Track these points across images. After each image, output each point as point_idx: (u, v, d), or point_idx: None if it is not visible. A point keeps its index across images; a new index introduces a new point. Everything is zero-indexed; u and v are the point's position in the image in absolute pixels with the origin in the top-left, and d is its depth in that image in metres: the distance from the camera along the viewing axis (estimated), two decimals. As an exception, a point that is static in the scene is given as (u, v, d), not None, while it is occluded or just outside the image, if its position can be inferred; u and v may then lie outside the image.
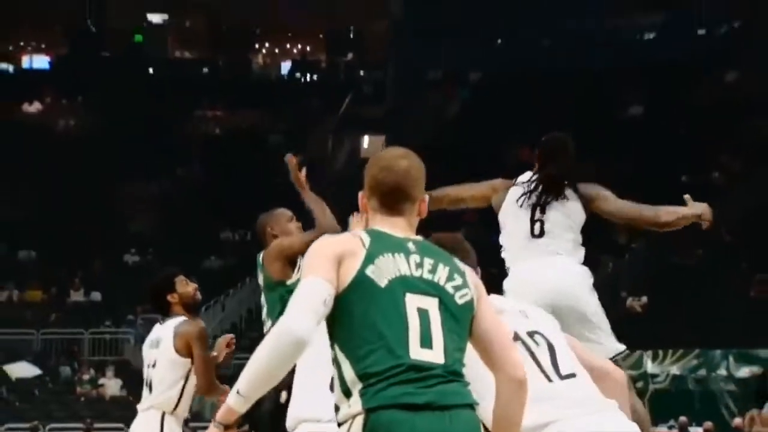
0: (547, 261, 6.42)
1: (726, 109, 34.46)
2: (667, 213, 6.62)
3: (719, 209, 26.89)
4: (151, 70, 42.94)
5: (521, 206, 6.57)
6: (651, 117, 35.91)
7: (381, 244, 3.69)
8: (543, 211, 6.51)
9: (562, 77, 35.98)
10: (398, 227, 3.78)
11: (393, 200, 3.79)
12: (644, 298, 28.12)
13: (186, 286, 7.29)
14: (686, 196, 6.76)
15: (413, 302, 3.67)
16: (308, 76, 44.14)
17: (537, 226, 6.49)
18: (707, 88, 36.04)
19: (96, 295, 32.71)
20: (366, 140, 40.79)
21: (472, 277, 3.83)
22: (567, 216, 6.51)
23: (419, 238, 3.81)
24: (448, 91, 40.23)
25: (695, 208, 6.66)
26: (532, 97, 35.86)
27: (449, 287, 3.72)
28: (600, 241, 27.48)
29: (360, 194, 3.85)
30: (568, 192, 6.56)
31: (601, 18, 39.19)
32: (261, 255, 7.18)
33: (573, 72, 36.03)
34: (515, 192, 6.64)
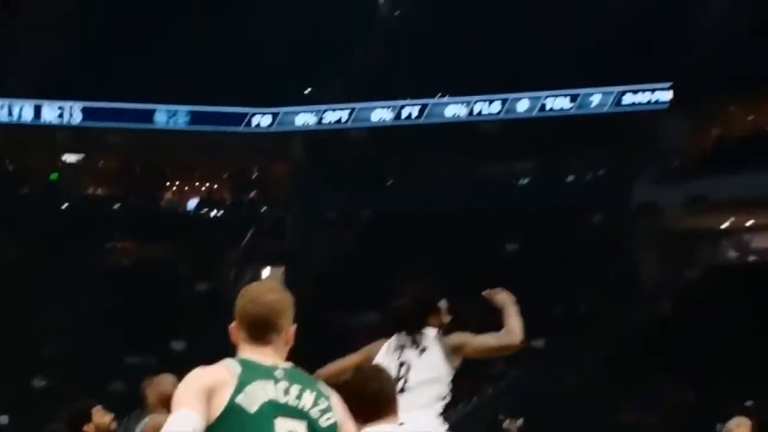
0: (405, 417, 6.07)
1: (592, 248, 35.20)
2: (514, 331, 6.53)
3: (586, 340, 27.13)
4: (65, 206, 42.45)
5: (388, 364, 6.44)
6: (526, 254, 36.51)
7: (250, 373, 3.74)
8: (407, 369, 6.44)
9: (444, 216, 36.44)
10: (267, 355, 3.83)
11: (260, 331, 3.86)
12: (520, 421, 28.07)
13: (103, 417, 7.18)
14: (486, 294, 6.72)
15: (283, 426, 3.72)
16: (214, 212, 44.01)
17: (400, 383, 6.35)
18: (576, 228, 36.83)
19: (3, 419, 31.68)
20: (266, 271, 40.68)
21: (338, 401, 3.89)
22: (429, 370, 6.44)
23: (288, 365, 3.86)
24: (342, 228, 40.43)
25: (507, 303, 6.64)
26: (418, 234, 36.28)
27: (315, 411, 3.79)
28: (479, 370, 27.61)
29: (231, 325, 3.89)
30: (433, 345, 6.49)
31: (482, 164, 40.04)
32: (145, 421, 7.07)
33: (455, 212, 36.42)
34: (384, 349, 6.57)
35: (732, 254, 37.20)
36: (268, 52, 38.93)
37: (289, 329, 3.90)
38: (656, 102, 37.16)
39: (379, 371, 4.73)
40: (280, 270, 39.29)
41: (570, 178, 40.05)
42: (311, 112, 40.39)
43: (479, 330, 6.68)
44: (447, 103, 39.39)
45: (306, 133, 40.98)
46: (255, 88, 39.15)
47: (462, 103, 39.06)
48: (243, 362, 3.78)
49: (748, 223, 36.40)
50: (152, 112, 40.51)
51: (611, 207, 36.56)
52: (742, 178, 32.87)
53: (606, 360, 30.33)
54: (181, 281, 39.10)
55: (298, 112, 40.47)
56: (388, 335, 6.61)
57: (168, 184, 45.34)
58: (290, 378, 3.80)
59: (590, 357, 30.80)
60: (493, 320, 6.81)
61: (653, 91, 36.96)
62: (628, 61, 36.79)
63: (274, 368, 3.79)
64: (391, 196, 40.05)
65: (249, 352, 3.84)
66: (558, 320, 33.26)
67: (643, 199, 35.61)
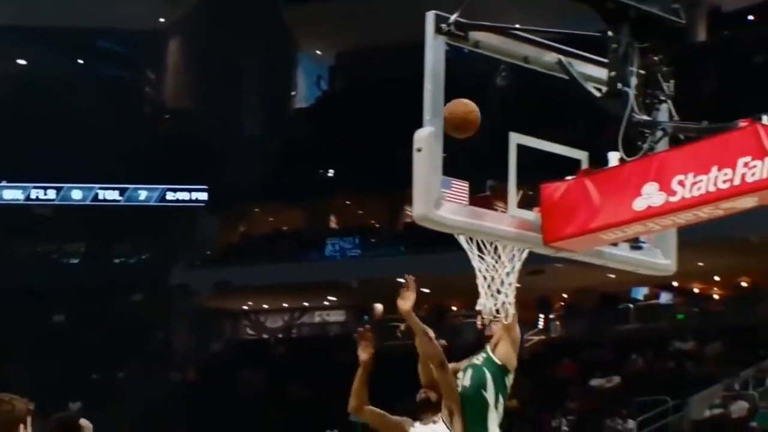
0: None
1: (133, 321, 36.00)
2: None
3: (123, 402, 27.59)
4: None
5: None
6: (72, 327, 36.63)
7: None
8: None
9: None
10: None
11: None
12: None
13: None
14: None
15: None
16: None
17: None
18: (119, 303, 37.40)
19: None
20: None
21: None
22: None
23: None
24: None
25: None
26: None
27: None
28: None
29: None
30: None
31: (36, 243, 39.78)
32: None
33: (9, 286, 35.83)
34: None
35: (250, 331, 39.00)
36: None
37: None
38: (195, 200, 38.82)
39: None
40: None
41: (117, 260, 40.72)
42: None
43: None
44: (4, 188, 38.96)
45: None
46: None
47: (19, 188, 38.79)
48: None
49: (264, 306, 38.47)
50: None
51: (151, 287, 37.38)
52: (260, 268, 34.79)
53: (138, 419, 31.04)
54: None
55: None
56: None
57: None
58: None
59: (124, 417, 31.28)
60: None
61: (191, 191, 38.64)
62: (174, 164, 38.27)
63: None
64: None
65: None
66: (96, 385, 33.72)
67: (179, 281, 36.39)
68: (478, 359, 6.61)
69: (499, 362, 6.55)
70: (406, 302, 6.40)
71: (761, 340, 26.74)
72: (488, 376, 6.50)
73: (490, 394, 6.47)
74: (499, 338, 6.58)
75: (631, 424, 24.24)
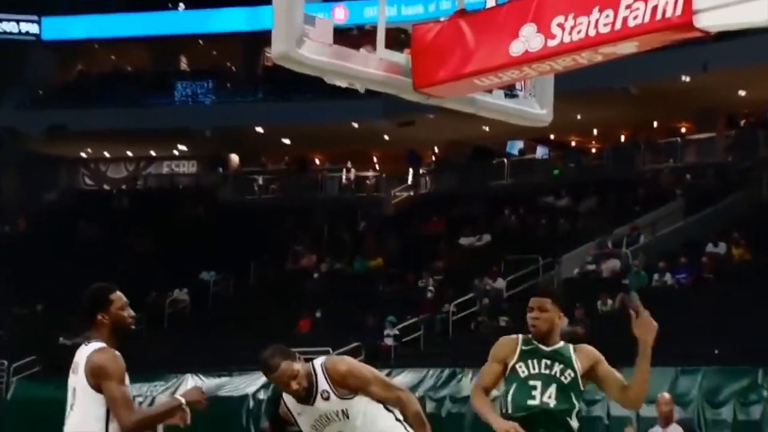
0: None
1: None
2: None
3: None
4: None
5: None
6: None
7: None
8: None
9: None
10: None
11: None
12: None
13: (124, 309, 5.17)
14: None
15: None
16: None
17: None
18: None
19: None
20: None
21: None
22: None
23: None
24: None
25: None
26: None
27: None
28: None
29: None
30: None
31: None
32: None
33: None
34: None
35: (88, 181, 38.71)
36: None
37: None
38: (25, 33, 37.62)
39: None
40: None
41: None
42: None
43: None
44: None
45: None
46: None
47: None
48: None
49: (105, 154, 38.15)
50: None
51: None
52: (100, 112, 34.22)
53: None
54: None
55: None
56: None
57: None
58: None
59: None
60: None
61: (20, 21, 37.34)
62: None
63: None
64: None
65: None
66: None
67: (6, 123, 35.35)
68: (565, 376, 5.67)
69: (583, 389, 5.74)
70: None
71: (637, 197, 27.80)
72: (573, 397, 5.67)
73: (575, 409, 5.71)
74: (594, 363, 5.70)
75: (500, 283, 25.07)
